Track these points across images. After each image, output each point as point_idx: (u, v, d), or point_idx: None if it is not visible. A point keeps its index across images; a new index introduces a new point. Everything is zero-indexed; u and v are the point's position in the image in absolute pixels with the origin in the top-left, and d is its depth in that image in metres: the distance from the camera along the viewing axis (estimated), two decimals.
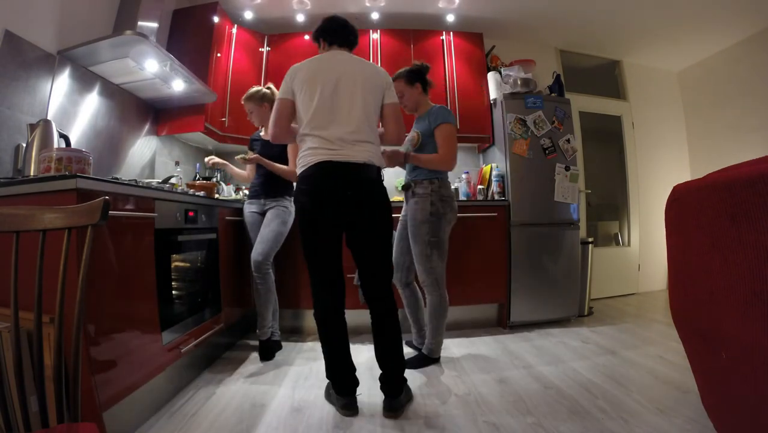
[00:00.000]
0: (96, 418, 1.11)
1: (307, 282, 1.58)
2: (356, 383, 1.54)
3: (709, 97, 3.74)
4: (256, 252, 2.07)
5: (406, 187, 2.03)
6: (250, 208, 2.23)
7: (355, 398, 1.52)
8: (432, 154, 1.90)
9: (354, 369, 1.54)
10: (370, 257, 1.53)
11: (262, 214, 2.20)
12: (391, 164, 1.97)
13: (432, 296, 1.92)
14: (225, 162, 2.34)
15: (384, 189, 1.55)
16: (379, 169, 1.54)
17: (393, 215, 1.60)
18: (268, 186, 2.19)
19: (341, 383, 1.51)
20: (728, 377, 0.88)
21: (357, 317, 2.58)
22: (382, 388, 1.51)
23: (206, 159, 2.33)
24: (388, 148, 1.95)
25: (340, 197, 1.44)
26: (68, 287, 0.77)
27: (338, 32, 1.59)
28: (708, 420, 1.10)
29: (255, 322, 2.19)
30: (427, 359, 1.98)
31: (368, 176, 1.47)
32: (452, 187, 2.96)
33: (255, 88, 2.19)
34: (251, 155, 2.20)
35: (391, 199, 1.63)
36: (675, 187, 1.03)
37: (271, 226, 2.08)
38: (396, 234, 2.14)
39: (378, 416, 1.46)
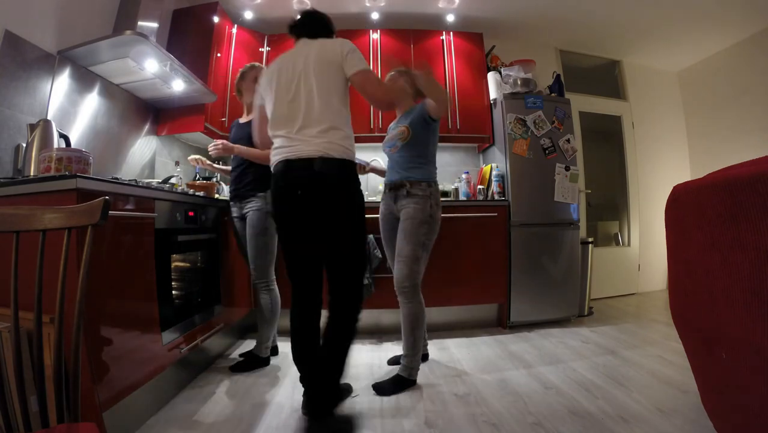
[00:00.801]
0: (96, 418, 1.11)
1: None
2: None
3: (709, 97, 3.74)
4: (251, 269, 1.95)
5: (397, 186, 1.84)
6: (232, 213, 2.04)
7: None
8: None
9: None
10: (330, 266, 1.38)
11: (243, 218, 1.98)
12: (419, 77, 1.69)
13: (411, 304, 1.74)
14: (210, 163, 2.13)
15: (350, 186, 1.37)
16: (342, 163, 1.33)
17: (366, 216, 1.39)
18: (239, 185, 1.96)
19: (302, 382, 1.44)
20: (728, 377, 0.88)
21: None
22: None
23: (190, 158, 2.12)
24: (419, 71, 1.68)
25: (292, 197, 1.34)
26: (68, 287, 0.77)
27: (304, 23, 1.51)
28: (708, 420, 1.10)
29: (255, 322, 2.17)
30: (405, 381, 1.72)
31: (321, 171, 1.29)
32: (452, 187, 3.00)
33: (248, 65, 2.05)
34: (212, 152, 1.94)
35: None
36: (675, 187, 1.03)
37: (252, 242, 1.90)
38: (382, 237, 1.98)
39: (378, 417, 1.46)
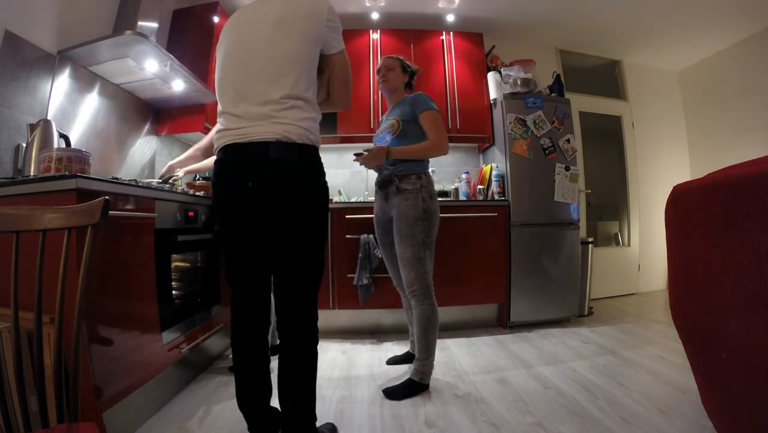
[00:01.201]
0: (96, 418, 1.11)
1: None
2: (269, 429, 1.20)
3: (709, 97, 3.74)
4: None
5: (386, 183, 1.78)
6: None
7: None
8: (422, 142, 1.71)
9: (270, 414, 1.22)
10: (279, 280, 1.15)
11: None
12: (373, 164, 1.73)
13: (423, 306, 1.67)
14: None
15: (314, 178, 1.15)
16: (304, 149, 1.10)
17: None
18: None
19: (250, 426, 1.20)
20: (728, 377, 0.88)
21: (357, 316, 2.60)
22: None
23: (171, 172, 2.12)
24: (372, 147, 1.71)
25: (240, 190, 1.10)
26: (68, 287, 0.77)
27: None
28: (708, 420, 1.10)
29: None
30: (417, 385, 1.67)
31: (278, 160, 1.06)
32: (452, 187, 3.00)
33: None
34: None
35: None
36: (675, 187, 1.03)
37: None
38: (378, 241, 1.94)
39: (377, 416, 1.46)
